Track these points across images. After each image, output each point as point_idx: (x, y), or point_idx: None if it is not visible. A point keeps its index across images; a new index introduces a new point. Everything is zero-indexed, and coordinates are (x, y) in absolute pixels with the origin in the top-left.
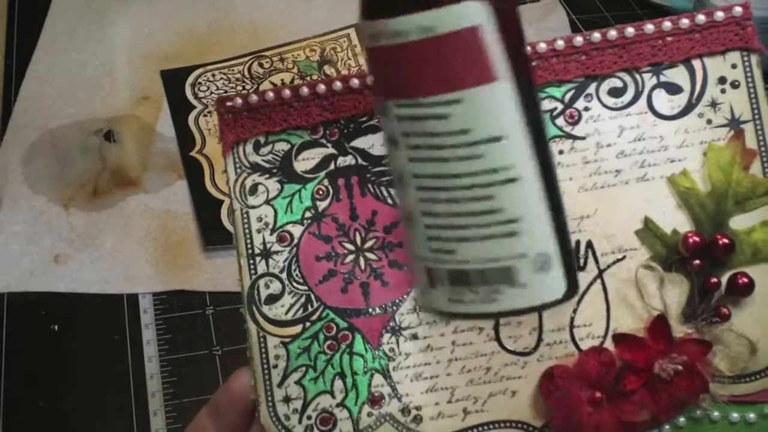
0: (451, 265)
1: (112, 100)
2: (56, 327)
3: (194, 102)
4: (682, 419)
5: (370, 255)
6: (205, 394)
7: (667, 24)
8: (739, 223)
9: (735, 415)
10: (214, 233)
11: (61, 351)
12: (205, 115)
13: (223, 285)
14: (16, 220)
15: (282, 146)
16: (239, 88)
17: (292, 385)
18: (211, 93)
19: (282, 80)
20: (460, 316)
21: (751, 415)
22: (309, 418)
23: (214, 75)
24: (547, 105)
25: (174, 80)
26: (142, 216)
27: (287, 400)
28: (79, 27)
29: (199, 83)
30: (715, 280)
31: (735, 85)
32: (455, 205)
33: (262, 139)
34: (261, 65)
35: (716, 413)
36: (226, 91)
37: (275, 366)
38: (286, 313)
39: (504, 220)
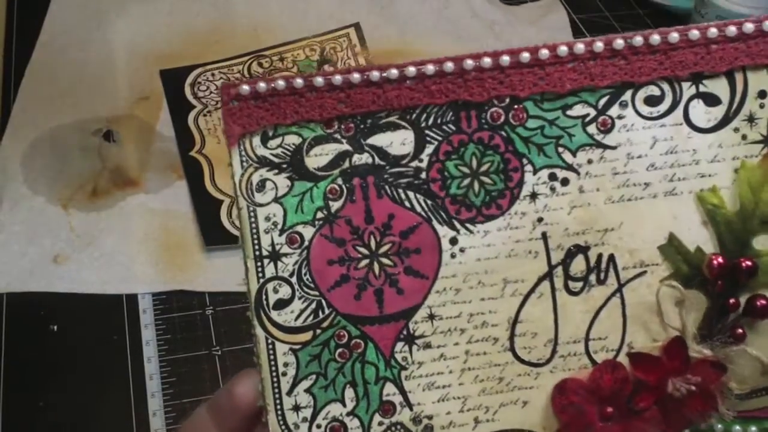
0: None
1: (112, 100)
2: (55, 327)
3: (194, 102)
4: None
5: (385, 260)
6: (204, 395)
7: (713, 30)
8: (763, 243)
9: (737, 428)
10: (213, 233)
11: (61, 351)
12: (204, 115)
13: (223, 285)
14: (16, 220)
15: (292, 140)
16: None
17: (302, 393)
18: (211, 93)
19: None
20: None
21: (753, 429)
22: (319, 426)
23: (213, 75)
24: (579, 111)
25: (173, 80)
26: (141, 216)
27: (297, 408)
28: (78, 27)
29: (199, 83)
30: (734, 301)
31: None
32: None
33: (270, 131)
34: (261, 65)
35: (719, 426)
36: None
37: (284, 374)
38: (296, 319)
39: None
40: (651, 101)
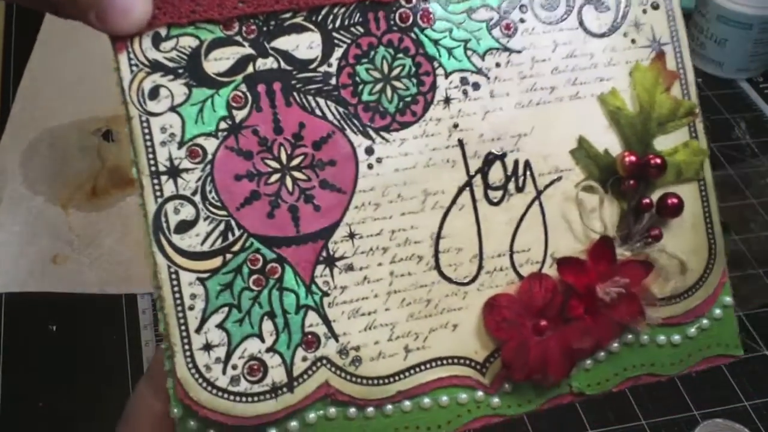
0: None
1: (111, 100)
2: (55, 327)
3: None
4: (615, 345)
5: (298, 174)
6: None
7: None
8: (662, 144)
9: (662, 338)
10: None
11: (60, 351)
12: None
13: None
14: (15, 221)
15: (188, 42)
16: None
17: (213, 329)
18: None
19: None
20: None
21: (676, 337)
22: (234, 367)
23: None
24: (483, 14)
25: None
26: (141, 216)
27: (208, 347)
28: (78, 26)
29: None
30: (647, 200)
31: (654, 6)
32: None
33: (163, 32)
34: None
35: (645, 337)
36: None
37: (191, 307)
38: (203, 243)
39: None
40: (547, 6)
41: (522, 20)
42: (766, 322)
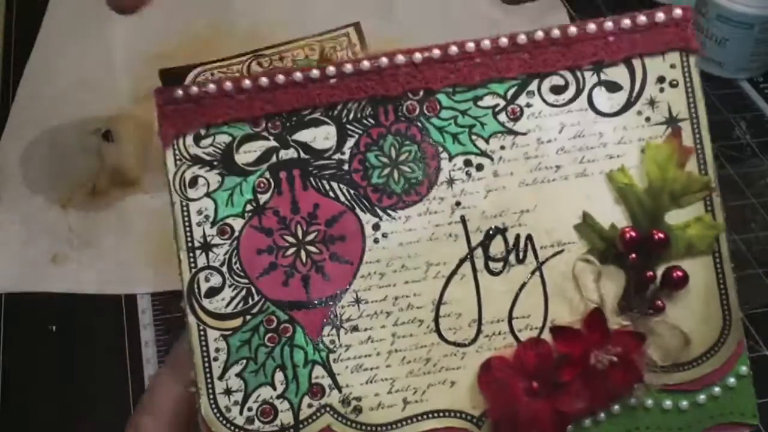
0: None
1: (111, 100)
2: (54, 327)
3: None
4: (616, 407)
5: (311, 248)
6: None
7: (608, 24)
8: (674, 218)
9: (668, 403)
10: None
11: (60, 352)
12: None
13: None
14: (14, 220)
15: (223, 138)
16: None
17: (233, 377)
18: None
19: None
20: None
21: (684, 403)
22: (250, 409)
23: (213, 74)
24: (489, 101)
25: (173, 79)
26: (140, 216)
27: (228, 392)
28: (77, 26)
29: (198, 83)
30: (650, 273)
31: (673, 84)
32: None
33: (203, 131)
34: (260, 64)
35: (650, 401)
36: None
37: (216, 359)
38: (227, 306)
39: None
40: (556, 90)
41: (528, 105)
42: (766, 322)
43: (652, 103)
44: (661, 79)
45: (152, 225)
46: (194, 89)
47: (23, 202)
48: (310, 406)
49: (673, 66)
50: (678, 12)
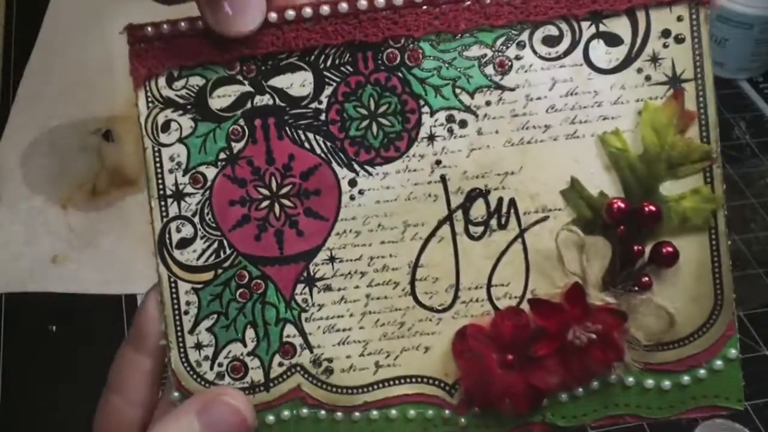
0: None
1: (111, 100)
2: (54, 327)
3: None
4: (595, 383)
5: (285, 202)
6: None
7: None
8: (669, 189)
9: (650, 382)
10: None
11: (60, 352)
12: None
13: None
14: (14, 220)
15: (196, 81)
16: None
17: (204, 332)
18: None
19: None
20: None
21: (666, 383)
22: (220, 365)
23: None
24: (475, 51)
25: None
26: (140, 216)
27: (198, 346)
28: (77, 26)
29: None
30: (638, 247)
31: (679, 39)
32: None
33: (175, 72)
34: None
35: (630, 379)
36: None
37: (186, 312)
38: (198, 259)
39: None
40: (549, 41)
41: (518, 57)
42: (766, 322)
43: (654, 59)
44: (665, 33)
45: None
46: (166, 27)
47: (23, 202)
48: (280, 365)
49: (680, 19)
50: None
